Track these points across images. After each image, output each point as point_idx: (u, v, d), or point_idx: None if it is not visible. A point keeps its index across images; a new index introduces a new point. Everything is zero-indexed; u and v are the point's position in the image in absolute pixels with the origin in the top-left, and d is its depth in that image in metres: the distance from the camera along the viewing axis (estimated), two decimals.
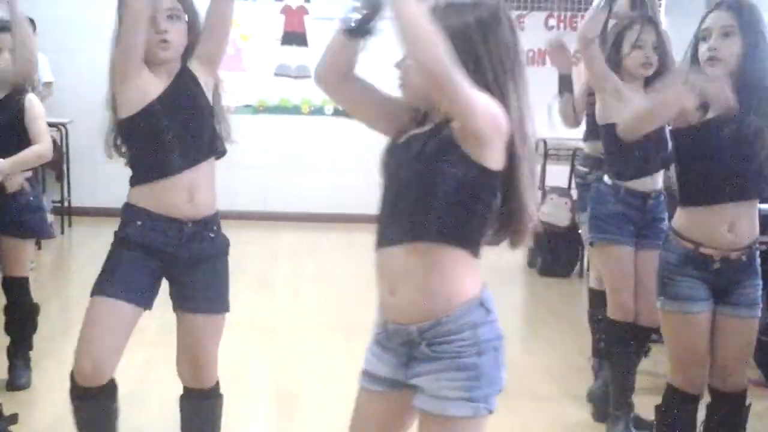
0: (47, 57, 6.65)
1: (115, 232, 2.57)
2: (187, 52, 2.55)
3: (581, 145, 4.45)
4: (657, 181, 3.50)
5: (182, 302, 2.61)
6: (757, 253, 2.80)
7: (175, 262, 2.55)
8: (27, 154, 3.52)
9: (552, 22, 8.12)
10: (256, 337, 4.60)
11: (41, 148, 3.56)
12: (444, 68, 1.65)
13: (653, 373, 3.91)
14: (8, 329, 3.80)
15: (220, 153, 2.63)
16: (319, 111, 7.95)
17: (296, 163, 7.99)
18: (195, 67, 2.56)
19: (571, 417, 3.62)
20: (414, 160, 1.81)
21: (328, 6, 7.86)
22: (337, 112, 7.84)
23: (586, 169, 4.07)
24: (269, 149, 7.94)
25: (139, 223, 2.52)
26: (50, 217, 5.26)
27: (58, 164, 7.13)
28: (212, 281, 2.61)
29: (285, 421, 3.59)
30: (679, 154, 2.83)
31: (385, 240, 1.87)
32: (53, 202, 6.90)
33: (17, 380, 3.73)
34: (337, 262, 6.46)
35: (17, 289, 3.73)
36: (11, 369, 3.75)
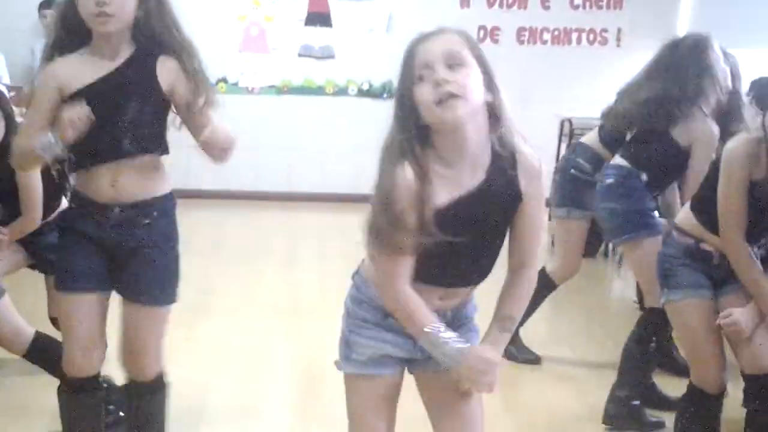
0: None
1: (59, 221, 2.56)
2: (153, 41, 2.38)
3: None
4: None
5: (122, 290, 2.54)
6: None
7: (112, 248, 2.48)
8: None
9: (577, 0, 8.03)
10: (281, 318, 4.63)
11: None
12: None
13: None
14: None
15: (160, 151, 2.48)
16: (342, 91, 7.91)
17: (320, 143, 7.99)
18: (163, 69, 2.38)
19: (598, 396, 3.60)
20: None
21: None
22: (361, 93, 7.81)
23: (588, 166, 3.87)
24: (293, 130, 7.94)
25: (73, 205, 2.55)
26: None
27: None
28: (150, 272, 2.50)
29: (311, 400, 3.61)
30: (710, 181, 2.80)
31: None
32: None
33: None
34: (361, 243, 6.44)
35: None
36: None
